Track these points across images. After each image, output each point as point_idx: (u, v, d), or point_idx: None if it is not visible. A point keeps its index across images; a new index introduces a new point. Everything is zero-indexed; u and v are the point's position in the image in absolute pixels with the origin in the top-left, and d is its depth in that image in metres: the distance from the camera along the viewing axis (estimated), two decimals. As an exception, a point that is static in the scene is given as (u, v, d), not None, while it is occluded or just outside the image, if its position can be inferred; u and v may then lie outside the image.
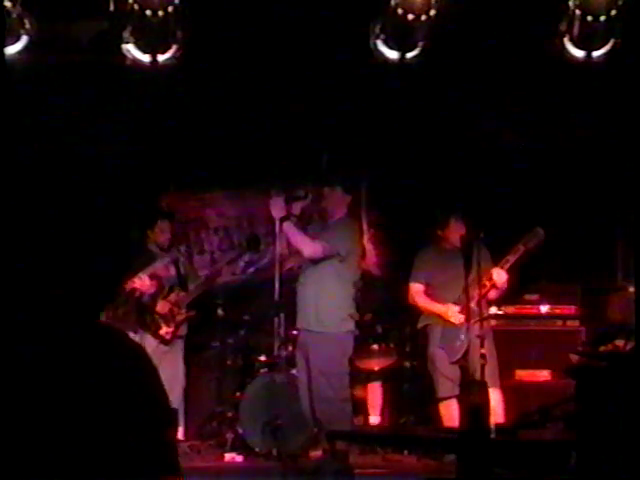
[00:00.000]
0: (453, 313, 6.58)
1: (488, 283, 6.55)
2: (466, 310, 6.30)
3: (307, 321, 6.47)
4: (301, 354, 6.51)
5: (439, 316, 6.72)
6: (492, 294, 6.72)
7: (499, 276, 6.57)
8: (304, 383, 6.42)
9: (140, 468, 1.72)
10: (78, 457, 1.67)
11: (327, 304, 6.40)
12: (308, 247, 6.39)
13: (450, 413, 6.34)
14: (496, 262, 6.66)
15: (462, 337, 6.45)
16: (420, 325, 6.93)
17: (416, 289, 6.90)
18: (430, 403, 6.93)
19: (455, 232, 6.63)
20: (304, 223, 6.91)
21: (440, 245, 6.82)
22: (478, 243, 6.27)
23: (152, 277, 7.27)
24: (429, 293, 6.87)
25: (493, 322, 6.95)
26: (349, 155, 7.77)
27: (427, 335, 6.84)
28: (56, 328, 1.73)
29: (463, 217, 6.54)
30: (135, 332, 7.19)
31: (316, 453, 6.58)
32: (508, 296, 7.11)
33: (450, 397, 6.35)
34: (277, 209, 6.39)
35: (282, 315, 6.92)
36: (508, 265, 6.61)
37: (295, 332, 6.78)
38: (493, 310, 6.71)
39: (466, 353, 6.31)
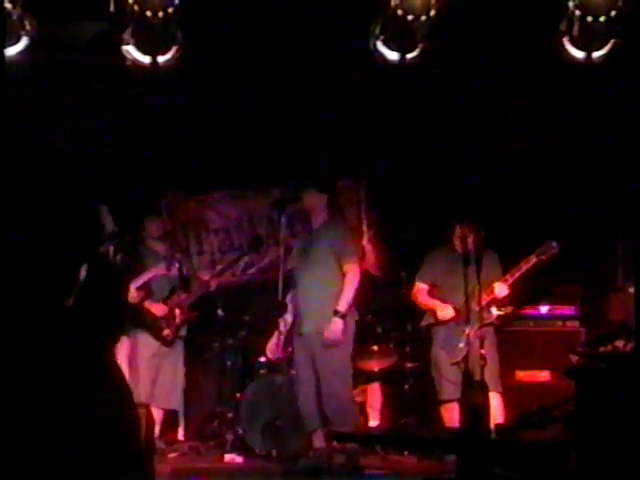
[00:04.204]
0: (444, 313, 6.62)
1: (489, 295, 6.56)
2: (469, 314, 6.26)
3: (313, 324, 6.49)
4: (306, 357, 6.52)
5: (432, 312, 6.74)
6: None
7: (500, 290, 6.61)
8: (311, 384, 6.43)
9: None
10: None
11: (330, 304, 6.42)
12: (354, 287, 6.47)
13: (452, 416, 6.33)
14: (507, 269, 6.67)
15: (464, 341, 6.42)
16: (423, 323, 6.92)
17: (419, 287, 6.91)
18: (431, 405, 6.93)
19: (468, 238, 6.58)
20: (305, 225, 6.94)
21: (451, 248, 6.78)
22: (483, 246, 6.23)
23: (140, 288, 7.22)
24: (435, 294, 6.87)
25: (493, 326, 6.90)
26: (349, 155, 7.78)
27: (431, 336, 6.84)
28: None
29: (473, 224, 6.49)
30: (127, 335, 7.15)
31: (316, 453, 6.59)
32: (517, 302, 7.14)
33: (452, 400, 6.34)
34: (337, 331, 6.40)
35: (284, 316, 6.93)
36: (512, 280, 6.64)
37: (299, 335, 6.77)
38: (494, 311, 6.69)
39: (467, 355, 6.29)
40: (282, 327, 6.88)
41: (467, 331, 6.32)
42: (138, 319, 7.31)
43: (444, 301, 6.75)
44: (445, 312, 6.66)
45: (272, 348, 6.88)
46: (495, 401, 6.11)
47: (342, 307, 6.40)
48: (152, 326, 7.31)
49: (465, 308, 6.28)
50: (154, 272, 7.21)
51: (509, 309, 6.90)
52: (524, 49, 6.18)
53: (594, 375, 4.85)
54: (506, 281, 6.66)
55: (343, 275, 6.49)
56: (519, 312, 7.43)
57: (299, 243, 6.91)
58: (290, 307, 6.91)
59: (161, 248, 7.59)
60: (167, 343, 7.38)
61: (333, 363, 6.41)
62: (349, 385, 6.58)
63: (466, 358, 6.27)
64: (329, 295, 6.46)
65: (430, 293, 6.90)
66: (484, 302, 6.45)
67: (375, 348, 7.36)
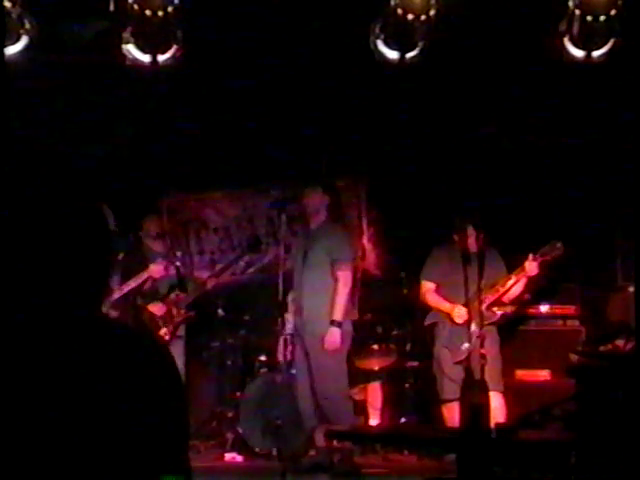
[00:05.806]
0: (459, 313, 6.54)
1: (493, 294, 6.53)
2: (472, 314, 6.24)
3: (309, 327, 6.52)
4: (304, 357, 6.54)
5: (446, 314, 6.70)
6: (514, 292, 6.72)
7: (530, 268, 6.55)
8: (307, 383, 6.45)
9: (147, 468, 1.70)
10: (86, 455, 1.66)
11: (324, 308, 6.44)
12: (346, 295, 6.46)
13: (453, 415, 6.29)
14: (510, 270, 6.65)
15: (468, 342, 6.38)
16: (427, 322, 6.87)
17: (428, 287, 6.85)
18: (433, 404, 6.92)
19: (470, 237, 6.55)
20: (304, 224, 6.93)
21: (453, 246, 6.73)
22: (484, 246, 6.21)
23: (138, 286, 7.24)
24: (439, 292, 6.83)
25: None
26: (349, 155, 7.78)
27: (434, 334, 6.81)
28: (61, 323, 1.71)
29: (477, 224, 6.45)
30: None
31: (316, 452, 6.59)
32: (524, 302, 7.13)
33: (454, 400, 6.31)
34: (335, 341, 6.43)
35: (285, 315, 6.94)
36: (516, 280, 6.61)
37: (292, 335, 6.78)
38: (494, 310, 6.67)
39: (470, 355, 6.28)
40: (286, 328, 6.88)
41: (471, 330, 6.29)
42: (134, 318, 7.31)
43: (449, 300, 6.71)
44: (461, 315, 6.56)
45: (279, 348, 6.89)
46: (497, 401, 6.09)
47: (337, 316, 6.40)
48: (148, 325, 7.30)
49: (468, 307, 6.26)
50: (152, 271, 7.19)
51: (510, 309, 6.88)
52: (524, 48, 6.18)
53: (594, 374, 4.85)
54: (510, 278, 6.63)
55: (336, 280, 6.48)
56: (520, 312, 7.43)
57: (298, 243, 6.91)
58: (291, 307, 6.91)
59: (160, 247, 7.61)
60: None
61: (328, 365, 6.44)
62: (344, 385, 6.61)
63: (468, 357, 6.27)
64: (324, 299, 6.47)
65: (436, 292, 6.86)
66: (489, 301, 6.41)
67: (375, 347, 7.36)
